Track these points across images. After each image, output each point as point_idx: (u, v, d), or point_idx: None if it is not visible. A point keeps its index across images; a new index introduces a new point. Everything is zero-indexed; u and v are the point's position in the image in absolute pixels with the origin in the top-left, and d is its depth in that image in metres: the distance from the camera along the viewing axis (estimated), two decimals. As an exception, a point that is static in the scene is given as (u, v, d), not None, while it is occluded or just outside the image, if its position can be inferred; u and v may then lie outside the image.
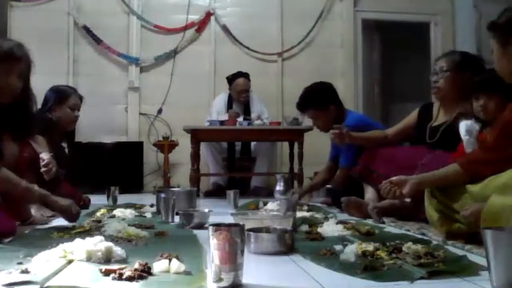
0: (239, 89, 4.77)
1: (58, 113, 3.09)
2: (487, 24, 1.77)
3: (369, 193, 2.76)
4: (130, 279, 1.23)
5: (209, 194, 4.55)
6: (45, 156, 2.57)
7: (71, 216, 2.22)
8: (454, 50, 3.04)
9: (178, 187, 3.96)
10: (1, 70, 2.01)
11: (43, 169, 2.53)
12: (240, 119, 4.49)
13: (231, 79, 4.82)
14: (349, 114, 3.39)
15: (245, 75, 4.83)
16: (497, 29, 1.72)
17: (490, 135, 1.93)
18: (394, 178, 2.02)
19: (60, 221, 2.39)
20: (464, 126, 2.21)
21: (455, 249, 1.67)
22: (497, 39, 1.72)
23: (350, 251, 1.53)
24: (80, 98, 3.25)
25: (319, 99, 3.31)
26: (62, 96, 3.14)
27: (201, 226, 2.22)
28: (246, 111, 4.80)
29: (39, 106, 2.71)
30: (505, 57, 1.71)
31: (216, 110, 4.80)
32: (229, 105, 4.84)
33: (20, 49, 2.06)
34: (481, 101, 2.19)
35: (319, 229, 2.06)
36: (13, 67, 2.02)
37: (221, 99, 4.93)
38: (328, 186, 3.49)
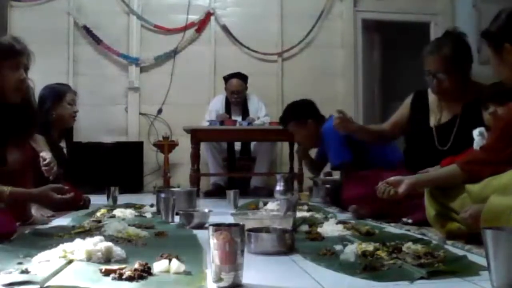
0: (231, 90, 4.77)
1: (58, 110, 3.15)
2: (480, 32, 1.77)
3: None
4: (130, 279, 1.23)
5: (209, 194, 4.55)
6: (46, 155, 2.57)
7: (56, 202, 2.00)
8: (439, 40, 2.71)
9: (178, 187, 3.95)
10: (9, 66, 1.98)
11: (44, 168, 2.52)
12: (239, 119, 4.49)
13: (226, 79, 4.82)
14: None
15: (241, 77, 4.80)
16: (490, 37, 1.72)
17: (490, 136, 1.93)
18: (390, 179, 2.02)
19: (60, 221, 2.39)
20: (478, 129, 2.22)
21: (455, 249, 1.67)
22: (491, 48, 1.72)
23: (350, 251, 1.53)
24: (75, 93, 3.33)
25: (297, 112, 3.44)
26: (59, 93, 3.20)
27: (201, 226, 2.22)
28: (244, 112, 4.80)
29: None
30: (501, 64, 1.70)
31: (212, 110, 4.79)
32: (227, 106, 4.84)
33: (19, 42, 2.04)
34: (491, 109, 2.20)
35: (319, 229, 2.06)
36: (19, 62, 2.00)
37: (218, 100, 4.93)
38: (327, 186, 3.48)
